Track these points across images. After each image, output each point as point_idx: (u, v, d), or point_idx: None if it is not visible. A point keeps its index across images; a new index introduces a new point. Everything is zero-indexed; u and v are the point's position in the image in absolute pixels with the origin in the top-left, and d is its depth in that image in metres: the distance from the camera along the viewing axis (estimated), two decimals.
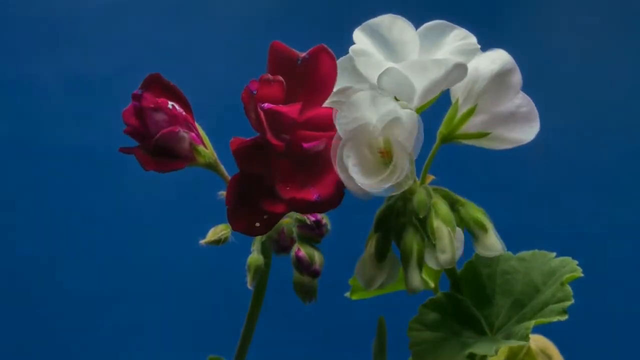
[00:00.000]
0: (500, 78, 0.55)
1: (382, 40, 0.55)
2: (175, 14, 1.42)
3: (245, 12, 1.41)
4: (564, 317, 0.57)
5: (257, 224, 0.54)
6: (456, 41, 0.55)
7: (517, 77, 0.56)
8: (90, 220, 1.36)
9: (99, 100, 1.36)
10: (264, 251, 0.61)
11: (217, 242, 0.59)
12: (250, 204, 0.53)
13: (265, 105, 0.53)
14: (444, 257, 0.54)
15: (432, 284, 0.70)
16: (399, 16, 0.55)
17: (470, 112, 0.56)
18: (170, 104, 0.58)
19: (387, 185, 0.52)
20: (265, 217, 0.53)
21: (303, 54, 0.55)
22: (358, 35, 0.55)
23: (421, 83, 0.53)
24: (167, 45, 1.36)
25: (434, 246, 0.54)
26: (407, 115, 0.52)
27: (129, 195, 1.34)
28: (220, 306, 1.26)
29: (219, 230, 0.59)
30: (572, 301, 0.57)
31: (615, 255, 1.30)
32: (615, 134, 1.35)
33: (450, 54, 0.54)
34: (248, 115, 0.54)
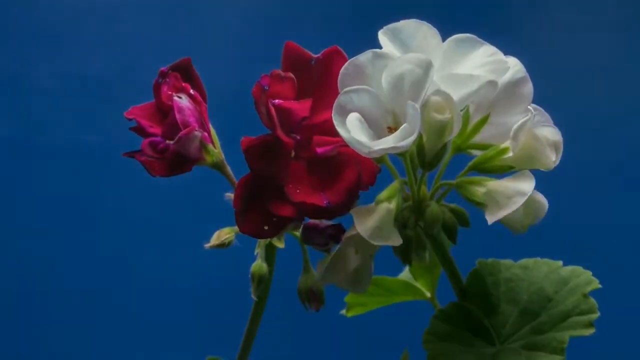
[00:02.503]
0: (511, 87, 0.55)
1: (404, 46, 0.54)
2: (176, 14, 1.41)
3: (247, 12, 1.41)
4: (592, 331, 0.57)
5: (266, 227, 0.53)
6: (484, 57, 0.54)
7: (528, 87, 0.55)
8: (90, 220, 1.35)
9: (99, 100, 1.35)
10: (268, 257, 0.60)
11: (222, 245, 0.59)
12: (259, 207, 0.53)
13: (276, 101, 0.53)
14: (504, 211, 0.52)
15: (428, 294, 0.70)
16: (424, 22, 0.55)
17: (483, 122, 0.55)
18: (192, 91, 0.57)
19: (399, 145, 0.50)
20: (274, 219, 0.53)
21: (316, 55, 0.55)
22: (381, 38, 0.55)
23: (455, 95, 0.52)
24: (168, 45, 1.36)
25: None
26: (412, 70, 0.51)
27: (129, 195, 1.34)
28: (221, 307, 1.26)
29: (224, 234, 0.59)
30: (598, 314, 0.57)
31: (612, 256, 1.30)
32: (618, 133, 1.35)
33: (482, 70, 0.53)
34: (258, 110, 0.54)
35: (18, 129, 1.37)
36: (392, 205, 0.53)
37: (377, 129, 0.52)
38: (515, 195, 0.52)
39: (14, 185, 1.37)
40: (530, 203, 0.53)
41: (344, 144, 0.52)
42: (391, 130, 0.52)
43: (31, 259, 1.34)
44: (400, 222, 0.54)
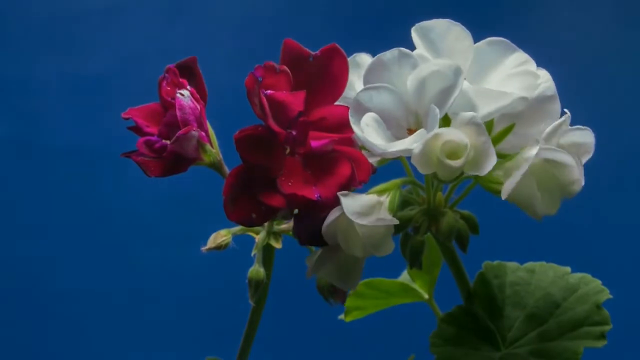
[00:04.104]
0: (539, 103, 0.54)
1: (433, 45, 0.53)
2: (175, 14, 1.41)
3: (246, 11, 1.41)
4: (604, 342, 0.56)
5: (254, 215, 0.53)
6: (516, 66, 0.53)
7: (556, 106, 0.54)
8: (89, 220, 1.35)
9: (99, 100, 1.35)
10: (266, 259, 0.60)
11: (218, 248, 0.58)
12: (248, 195, 0.52)
13: (268, 91, 0.52)
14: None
15: (426, 296, 0.69)
16: (456, 23, 0.54)
17: (507, 131, 0.54)
18: (189, 87, 0.57)
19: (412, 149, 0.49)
20: (262, 208, 0.52)
21: (314, 52, 0.55)
22: (413, 34, 0.54)
23: (484, 109, 0.51)
24: (168, 45, 1.36)
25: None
26: (443, 75, 0.50)
27: (129, 196, 1.34)
28: (221, 307, 1.25)
29: (220, 237, 0.59)
30: (611, 326, 0.56)
31: (609, 254, 1.30)
32: (616, 133, 1.35)
33: (513, 82, 0.53)
34: (251, 100, 0.54)
35: (18, 129, 1.37)
36: (382, 198, 0.52)
37: (396, 129, 0.52)
38: (522, 162, 0.50)
39: (14, 185, 1.36)
40: (545, 174, 0.51)
41: (339, 140, 0.52)
42: (411, 132, 0.51)
43: (31, 259, 1.34)
44: (413, 226, 0.54)
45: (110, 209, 1.35)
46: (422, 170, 0.51)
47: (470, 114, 0.49)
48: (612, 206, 1.31)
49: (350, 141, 0.54)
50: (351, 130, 0.53)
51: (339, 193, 0.51)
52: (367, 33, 1.29)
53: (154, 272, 1.33)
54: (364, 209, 0.51)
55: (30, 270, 1.34)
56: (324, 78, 0.55)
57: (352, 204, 0.51)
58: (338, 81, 0.55)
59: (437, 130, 0.49)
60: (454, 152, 0.50)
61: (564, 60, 1.36)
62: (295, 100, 0.53)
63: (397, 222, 0.51)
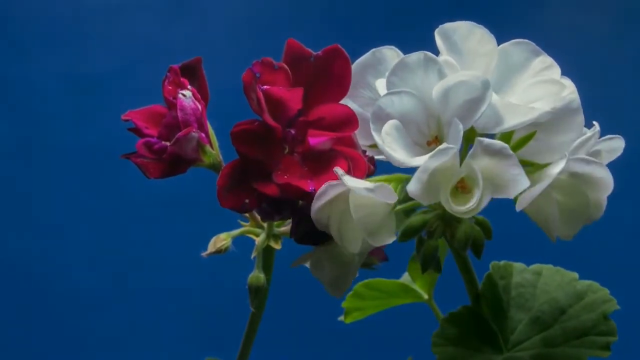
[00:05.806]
0: (563, 114, 0.52)
1: (455, 48, 0.53)
2: (176, 14, 1.41)
3: (246, 11, 1.41)
4: (608, 353, 0.55)
5: (247, 201, 0.53)
6: (541, 70, 0.53)
7: (580, 118, 0.53)
8: (90, 220, 1.35)
9: (99, 100, 1.35)
10: (266, 260, 0.60)
11: (219, 252, 0.58)
12: (243, 185, 0.53)
13: (265, 86, 0.52)
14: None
15: (425, 296, 0.69)
16: (479, 26, 0.53)
17: (528, 138, 0.53)
18: (189, 86, 0.57)
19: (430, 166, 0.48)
20: (255, 194, 0.53)
21: (316, 53, 0.55)
22: (436, 36, 0.53)
23: (509, 122, 0.51)
24: (168, 45, 1.36)
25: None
26: (472, 86, 0.49)
27: (129, 195, 1.34)
28: (221, 307, 1.25)
29: (220, 241, 0.59)
30: (617, 337, 0.56)
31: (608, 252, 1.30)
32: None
33: (537, 90, 0.52)
34: (248, 96, 0.54)
35: (18, 129, 1.37)
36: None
37: (417, 135, 0.51)
38: (544, 178, 0.50)
39: (14, 185, 1.36)
40: (572, 190, 0.51)
41: (337, 138, 0.53)
42: (430, 144, 0.51)
43: (31, 259, 1.34)
44: (427, 230, 0.53)
45: (110, 209, 1.35)
46: (425, 203, 0.50)
47: (500, 144, 0.48)
48: (621, 213, 1.31)
49: (349, 140, 0.54)
50: (350, 129, 0.53)
51: (335, 169, 0.50)
52: (367, 33, 1.29)
53: (153, 272, 1.33)
54: (367, 183, 0.50)
55: (29, 270, 1.34)
56: (326, 78, 0.55)
57: (350, 179, 0.50)
58: (340, 82, 0.55)
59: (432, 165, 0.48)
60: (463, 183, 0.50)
61: (564, 60, 1.36)
62: (293, 97, 0.53)
63: (395, 198, 0.51)
